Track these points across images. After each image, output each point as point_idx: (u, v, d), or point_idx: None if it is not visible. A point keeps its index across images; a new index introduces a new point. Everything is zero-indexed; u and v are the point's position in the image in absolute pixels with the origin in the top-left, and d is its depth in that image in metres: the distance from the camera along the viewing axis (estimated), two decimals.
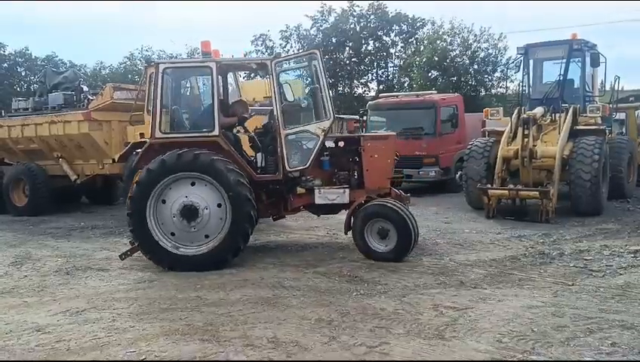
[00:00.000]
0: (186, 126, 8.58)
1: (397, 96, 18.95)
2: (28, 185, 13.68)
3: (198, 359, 4.75)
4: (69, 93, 15.66)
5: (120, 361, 4.78)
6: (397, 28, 36.79)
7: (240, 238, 7.86)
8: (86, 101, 14.63)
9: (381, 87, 37.08)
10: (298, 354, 4.82)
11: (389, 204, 8.28)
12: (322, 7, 36.46)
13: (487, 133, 13.65)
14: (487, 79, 32.94)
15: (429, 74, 33.09)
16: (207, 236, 7.90)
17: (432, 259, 8.24)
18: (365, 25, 36.41)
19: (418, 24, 36.59)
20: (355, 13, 36.42)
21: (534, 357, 4.65)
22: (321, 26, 36.54)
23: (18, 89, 38.72)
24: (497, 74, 32.43)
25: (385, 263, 7.94)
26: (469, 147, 13.05)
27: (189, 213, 7.81)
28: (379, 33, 36.58)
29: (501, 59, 32.09)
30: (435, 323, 5.46)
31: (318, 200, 8.43)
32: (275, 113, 8.22)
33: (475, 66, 32.26)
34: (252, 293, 6.61)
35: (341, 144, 8.76)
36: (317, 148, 8.26)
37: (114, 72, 41.11)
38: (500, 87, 32.61)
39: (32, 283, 7.44)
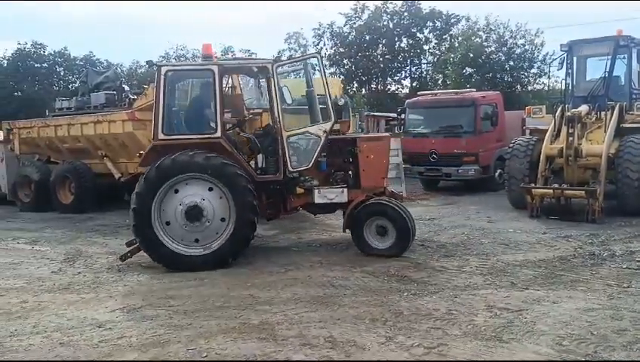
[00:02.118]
0: (188, 128, 8.66)
1: (435, 94, 18.81)
2: (74, 183, 13.97)
3: (259, 358, 4.82)
4: (111, 92, 16.01)
5: (184, 361, 4.88)
6: (431, 25, 36.50)
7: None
8: (127, 100, 14.91)
9: (414, 84, 36.88)
10: (356, 354, 4.86)
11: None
12: (355, 4, 36.43)
13: (529, 131, 13.45)
14: (523, 76, 32.45)
15: (464, 71, 32.76)
16: (223, 219, 8.01)
17: (479, 259, 8.19)
18: (399, 22, 36.24)
19: (452, 20, 36.25)
20: (388, 11, 36.27)
21: (597, 361, 4.60)
22: (354, 23, 36.47)
23: (57, 88, 39.56)
24: (534, 70, 31.95)
25: (432, 263, 7.98)
26: (511, 145, 12.91)
27: (195, 213, 7.91)
28: (412, 30, 36.36)
29: (538, 55, 31.60)
30: (491, 325, 5.44)
31: (317, 200, 8.60)
32: (275, 115, 8.38)
33: (511, 63, 31.79)
34: (303, 292, 6.67)
35: (338, 145, 8.94)
36: (319, 148, 8.44)
37: (149, 71, 41.70)
38: (537, 84, 32.19)
39: (87, 279, 7.64)
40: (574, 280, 7.01)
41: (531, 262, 7.92)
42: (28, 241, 10.48)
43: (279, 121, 8.32)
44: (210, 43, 8.71)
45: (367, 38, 36.23)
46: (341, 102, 16.20)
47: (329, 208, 9.07)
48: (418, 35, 36.73)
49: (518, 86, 32.37)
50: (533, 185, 11.76)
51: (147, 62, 10.18)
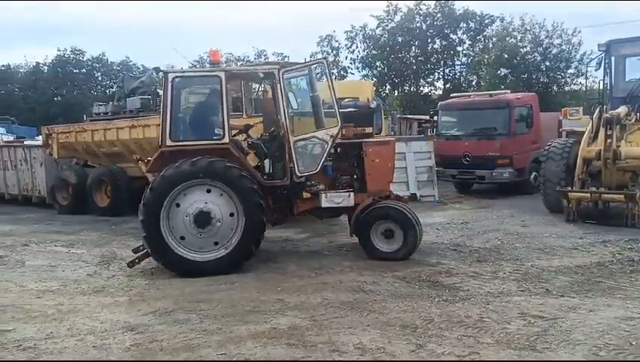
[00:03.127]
0: (196, 134, 8.66)
1: (469, 95, 18.58)
2: (110, 186, 14.24)
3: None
4: (146, 97, 16.26)
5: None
6: (464, 25, 36.09)
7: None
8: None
9: (448, 85, 36.55)
10: None
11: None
12: (388, 6, 36.26)
13: (566, 133, 13.16)
14: (559, 76, 31.87)
15: (498, 72, 32.38)
16: (232, 214, 8.02)
17: (512, 265, 8.04)
18: (432, 23, 35.94)
19: (486, 21, 35.79)
20: (421, 12, 36.01)
21: None
22: (387, 25, 36.30)
23: (95, 93, 40.46)
24: (571, 70, 31.40)
25: (465, 268, 7.86)
26: (546, 148, 12.66)
27: (203, 218, 7.91)
28: (446, 31, 36.01)
29: (575, 55, 31.01)
30: (525, 333, 5.32)
31: (324, 204, 8.60)
32: (282, 120, 8.41)
33: (547, 63, 31.28)
34: (333, 297, 6.64)
35: (341, 150, 8.97)
36: (326, 153, 8.47)
37: None
38: (574, 84, 31.57)
39: (120, 282, 7.75)
40: (612, 287, 6.82)
41: (567, 268, 7.74)
42: (65, 244, 10.70)
43: (286, 127, 8.36)
44: (217, 49, 8.83)
45: (400, 39, 36.02)
46: (373, 104, 16.24)
47: (335, 212, 9.10)
48: (451, 36, 36.36)
49: (555, 87, 31.85)
50: (569, 188, 11.50)
51: (154, 69, 10.32)
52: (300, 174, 8.41)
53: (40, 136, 17.12)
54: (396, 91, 38.39)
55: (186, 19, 75.30)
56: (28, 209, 15.86)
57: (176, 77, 8.38)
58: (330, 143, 8.45)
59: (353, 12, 68.24)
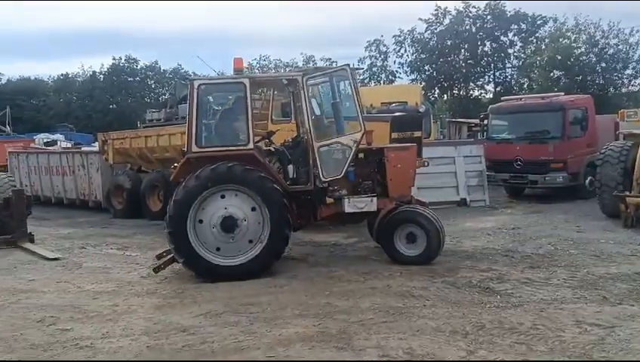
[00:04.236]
0: (221, 140, 8.72)
1: (520, 99, 18.18)
2: (162, 191, 14.53)
3: None
4: None
5: None
6: (515, 27, 35.42)
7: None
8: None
9: (498, 88, 35.90)
10: None
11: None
12: (437, 9, 35.93)
13: (623, 135, 12.73)
14: (616, 77, 30.86)
15: (551, 74, 31.59)
16: (254, 208, 8.04)
17: (567, 271, 7.81)
18: (481, 25, 35.42)
19: (538, 22, 35.03)
20: (470, 14, 35.54)
21: None
22: (435, 29, 35.99)
23: (148, 100, 41.58)
24: (628, 71, 30.38)
25: (517, 274, 7.70)
26: (602, 151, 12.27)
27: (229, 223, 7.96)
28: (496, 33, 35.43)
29: (633, 55, 29.97)
30: (581, 342, 5.16)
31: (348, 209, 8.57)
32: (307, 126, 8.44)
33: (603, 64, 30.33)
34: (381, 302, 6.61)
35: (363, 155, 8.97)
36: (350, 158, 8.48)
37: None
38: (632, 86, 30.54)
39: (172, 285, 7.92)
40: None
41: (625, 275, 7.47)
42: (120, 247, 11.02)
43: (310, 132, 8.40)
44: (241, 57, 8.91)
45: (449, 43, 35.66)
46: (422, 108, 16.11)
47: (358, 217, 9.12)
48: (502, 38, 35.79)
49: (611, 88, 30.87)
50: (627, 193, 11.11)
51: (180, 77, 10.53)
52: (324, 179, 8.45)
53: (96, 143, 17.67)
54: (445, 95, 38.06)
55: (235, 26, 76.55)
56: (85, 213, 16.37)
57: (202, 84, 8.51)
58: (353, 149, 8.50)
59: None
